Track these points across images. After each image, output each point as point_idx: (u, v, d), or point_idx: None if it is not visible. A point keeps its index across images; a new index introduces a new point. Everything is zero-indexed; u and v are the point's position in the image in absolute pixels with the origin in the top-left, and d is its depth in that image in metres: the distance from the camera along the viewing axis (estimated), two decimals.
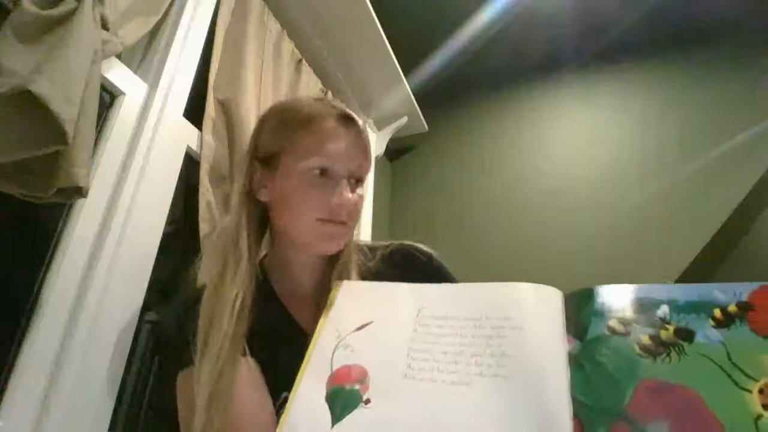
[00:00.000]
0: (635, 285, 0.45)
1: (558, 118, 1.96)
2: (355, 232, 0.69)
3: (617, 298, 0.45)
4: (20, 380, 0.67)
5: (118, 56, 0.87)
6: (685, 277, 1.45)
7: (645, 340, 0.41)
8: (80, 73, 0.66)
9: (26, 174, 0.65)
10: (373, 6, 1.46)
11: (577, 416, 0.38)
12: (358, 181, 0.65)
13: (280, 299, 0.68)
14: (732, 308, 0.40)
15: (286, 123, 0.65)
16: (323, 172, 0.62)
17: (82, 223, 0.78)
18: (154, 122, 0.91)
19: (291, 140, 0.63)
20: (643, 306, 0.43)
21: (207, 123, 1.03)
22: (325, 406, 0.43)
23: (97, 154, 0.82)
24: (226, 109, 1.06)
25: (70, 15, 0.68)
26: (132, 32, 0.83)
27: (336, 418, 0.42)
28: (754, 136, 1.55)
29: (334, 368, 0.46)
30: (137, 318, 0.83)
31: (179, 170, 0.97)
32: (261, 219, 0.68)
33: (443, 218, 1.97)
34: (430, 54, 1.93)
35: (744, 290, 0.41)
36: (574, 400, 0.39)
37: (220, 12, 1.12)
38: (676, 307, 0.42)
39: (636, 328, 0.42)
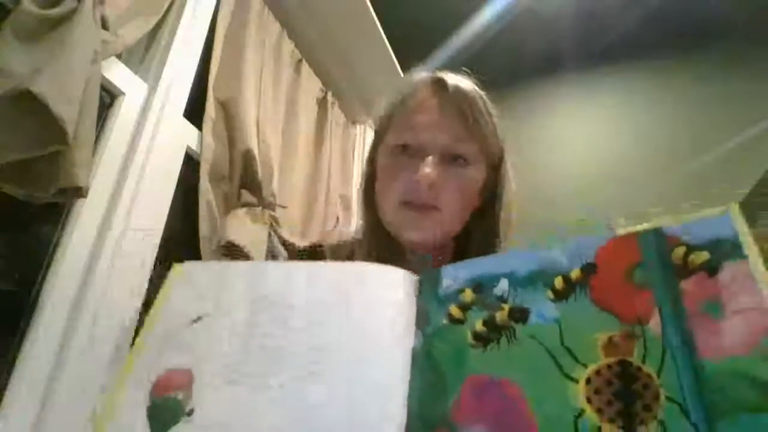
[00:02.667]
0: (481, 258, 0.39)
1: (558, 120, 1.96)
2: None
3: (461, 278, 0.38)
4: (20, 380, 0.67)
5: (118, 56, 0.87)
6: None
7: (479, 326, 0.35)
8: (80, 73, 0.66)
9: (26, 174, 0.65)
10: (373, 6, 1.46)
11: (407, 426, 0.33)
12: (458, 159, 0.54)
13: None
14: (576, 274, 0.34)
15: (389, 101, 0.60)
16: (406, 148, 0.54)
17: (82, 223, 0.78)
18: (154, 122, 0.91)
19: (384, 119, 0.59)
20: (484, 284, 0.37)
21: (207, 123, 1.03)
22: (146, 424, 0.36)
23: (97, 154, 0.81)
24: (226, 109, 1.06)
25: (70, 15, 0.68)
26: (132, 32, 0.83)
27: None
28: (755, 136, 1.55)
29: (160, 373, 0.39)
30: (137, 318, 0.83)
31: (179, 170, 0.97)
32: None
33: None
34: (430, 54, 1.93)
35: (592, 246, 0.35)
36: (408, 408, 0.34)
37: (220, 12, 1.12)
38: (515, 280, 0.36)
39: (473, 312, 0.36)
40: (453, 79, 0.56)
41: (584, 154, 1.84)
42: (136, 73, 0.92)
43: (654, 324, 0.30)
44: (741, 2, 1.65)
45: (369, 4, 1.45)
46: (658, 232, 0.33)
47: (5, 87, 0.60)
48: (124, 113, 0.88)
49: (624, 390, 0.29)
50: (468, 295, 0.37)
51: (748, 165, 1.52)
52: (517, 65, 2.03)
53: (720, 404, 0.26)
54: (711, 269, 0.30)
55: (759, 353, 0.26)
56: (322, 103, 1.51)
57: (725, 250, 0.30)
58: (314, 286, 0.42)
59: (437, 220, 0.54)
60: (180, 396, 0.37)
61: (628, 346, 0.30)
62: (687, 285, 0.30)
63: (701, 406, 0.26)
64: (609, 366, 0.30)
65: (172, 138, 0.95)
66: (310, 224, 1.32)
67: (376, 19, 1.49)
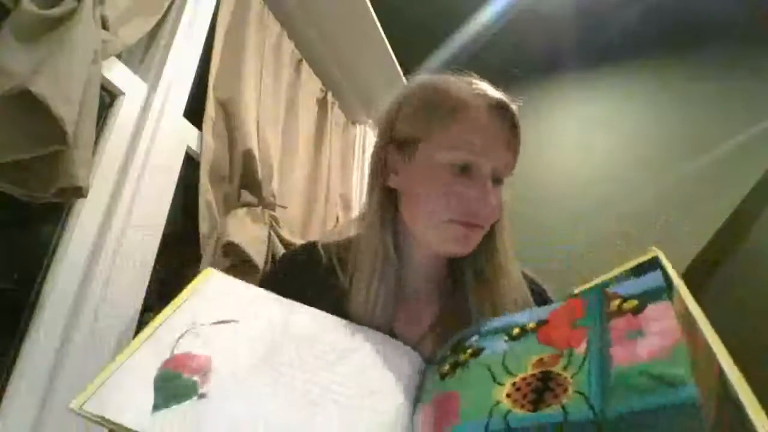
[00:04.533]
0: (470, 327, 0.49)
1: (558, 119, 1.96)
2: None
3: (449, 344, 0.49)
4: (20, 380, 0.67)
5: (118, 56, 0.86)
6: (686, 276, 1.45)
7: (446, 368, 0.45)
8: (80, 73, 0.66)
9: (26, 174, 0.65)
10: (373, 6, 1.46)
11: None
12: (499, 180, 0.58)
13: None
14: (531, 325, 0.43)
15: (430, 106, 0.58)
16: (465, 168, 0.55)
17: (82, 223, 0.78)
18: (154, 122, 0.91)
19: (433, 127, 0.56)
20: (461, 342, 0.47)
21: (207, 123, 1.03)
22: (151, 386, 0.38)
23: (97, 154, 0.81)
24: (226, 109, 1.06)
25: (70, 15, 0.68)
26: (132, 32, 0.83)
27: (164, 402, 0.37)
28: (755, 136, 1.55)
29: (176, 352, 0.41)
30: (137, 318, 0.83)
31: (179, 170, 0.97)
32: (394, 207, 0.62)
33: None
34: (430, 54, 1.93)
35: (548, 310, 0.44)
36: None
37: (220, 12, 1.12)
38: (483, 333, 0.46)
39: (448, 359, 0.46)
40: (507, 99, 0.58)
41: (584, 152, 1.84)
42: (136, 73, 0.92)
43: (581, 348, 0.37)
44: (741, 1, 1.65)
45: (369, 4, 1.45)
46: (601, 292, 0.42)
47: (5, 87, 0.60)
48: (124, 113, 0.88)
49: (541, 386, 0.35)
50: (447, 351, 0.48)
51: (748, 165, 1.52)
52: (516, 64, 2.03)
53: (617, 390, 0.32)
54: (636, 311, 0.37)
55: (656, 359, 0.32)
56: (322, 103, 1.51)
57: (650, 297, 0.38)
58: (344, 336, 0.48)
59: (478, 236, 0.58)
60: (195, 378, 0.39)
61: (554, 362, 0.37)
62: (615, 323, 0.37)
63: (601, 394, 0.32)
64: (534, 374, 0.37)
65: (172, 138, 0.95)
66: (310, 224, 1.32)
67: (376, 19, 1.49)
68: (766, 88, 1.61)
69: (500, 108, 0.57)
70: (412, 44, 1.76)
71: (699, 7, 1.70)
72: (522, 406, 0.34)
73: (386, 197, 0.62)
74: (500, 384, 0.37)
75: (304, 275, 0.64)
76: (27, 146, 0.62)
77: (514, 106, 0.58)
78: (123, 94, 0.88)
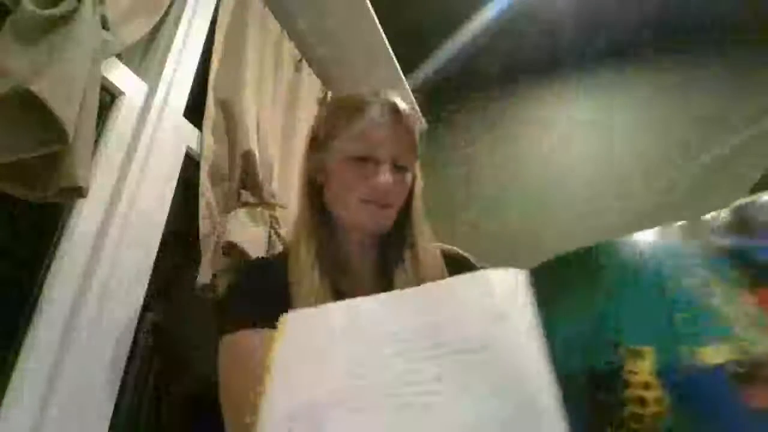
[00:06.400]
0: None
1: (558, 118, 1.96)
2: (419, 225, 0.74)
3: None
4: (20, 380, 0.67)
5: (118, 56, 0.86)
6: None
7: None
8: (80, 72, 0.66)
9: (26, 174, 0.65)
10: (373, 6, 1.46)
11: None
12: (402, 168, 0.69)
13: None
14: None
15: (335, 111, 0.73)
16: (365, 158, 0.67)
17: (82, 223, 0.78)
18: (154, 122, 0.91)
19: (338, 127, 0.69)
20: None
21: (207, 123, 1.03)
22: None
23: (97, 154, 0.81)
24: (226, 109, 1.06)
25: (70, 15, 0.68)
26: (132, 32, 0.83)
27: None
28: (755, 136, 1.55)
29: None
30: (137, 318, 0.83)
31: (179, 170, 0.97)
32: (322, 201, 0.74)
33: (442, 217, 1.97)
34: (430, 54, 1.93)
35: None
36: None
37: (220, 12, 1.12)
38: None
39: None
40: (400, 101, 0.70)
41: (583, 152, 1.84)
42: (136, 73, 0.92)
43: None
44: (742, 1, 1.65)
45: (369, 4, 1.45)
46: None
47: (5, 87, 0.60)
48: (124, 113, 0.88)
49: None
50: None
51: (748, 165, 1.53)
52: (518, 64, 2.03)
53: None
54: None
55: None
56: (322, 103, 1.51)
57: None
58: (421, 310, 0.39)
59: (390, 215, 0.69)
60: None
61: None
62: None
63: None
64: None
65: (172, 138, 0.95)
66: None
67: (376, 19, 1.49)
68: (766, 88, 1.61)
69: (392, 106, 0.69)
70: (412, 44, 1.76)
71: (698, 8, 1.70)
72: None
73: (313, 190, 0.73)
74: None
75: (263, 277, 0.71)
76: (27, 146, 0.62)
77: (403, 105, 0.70)
78: (123, 94, 0.88)
